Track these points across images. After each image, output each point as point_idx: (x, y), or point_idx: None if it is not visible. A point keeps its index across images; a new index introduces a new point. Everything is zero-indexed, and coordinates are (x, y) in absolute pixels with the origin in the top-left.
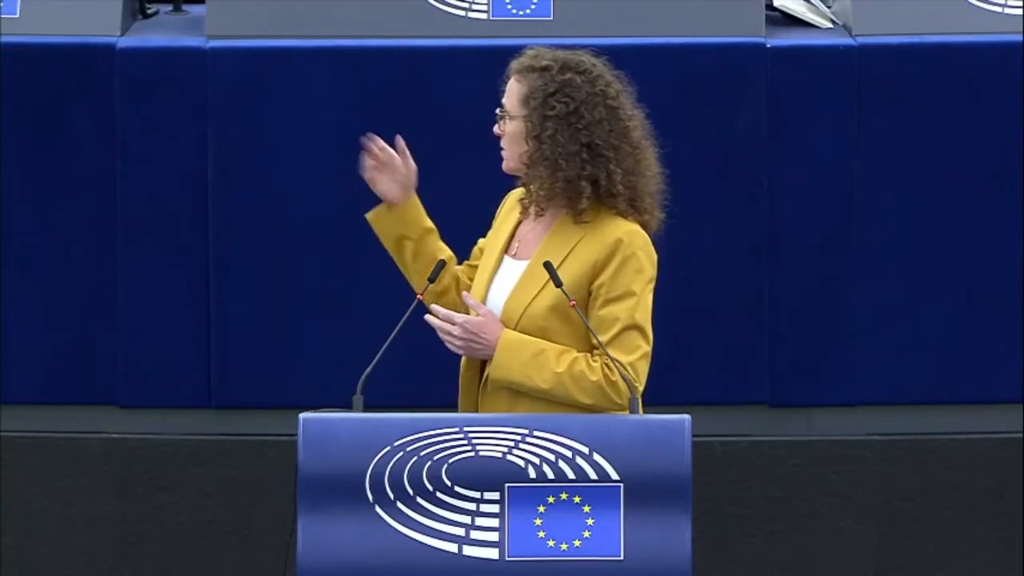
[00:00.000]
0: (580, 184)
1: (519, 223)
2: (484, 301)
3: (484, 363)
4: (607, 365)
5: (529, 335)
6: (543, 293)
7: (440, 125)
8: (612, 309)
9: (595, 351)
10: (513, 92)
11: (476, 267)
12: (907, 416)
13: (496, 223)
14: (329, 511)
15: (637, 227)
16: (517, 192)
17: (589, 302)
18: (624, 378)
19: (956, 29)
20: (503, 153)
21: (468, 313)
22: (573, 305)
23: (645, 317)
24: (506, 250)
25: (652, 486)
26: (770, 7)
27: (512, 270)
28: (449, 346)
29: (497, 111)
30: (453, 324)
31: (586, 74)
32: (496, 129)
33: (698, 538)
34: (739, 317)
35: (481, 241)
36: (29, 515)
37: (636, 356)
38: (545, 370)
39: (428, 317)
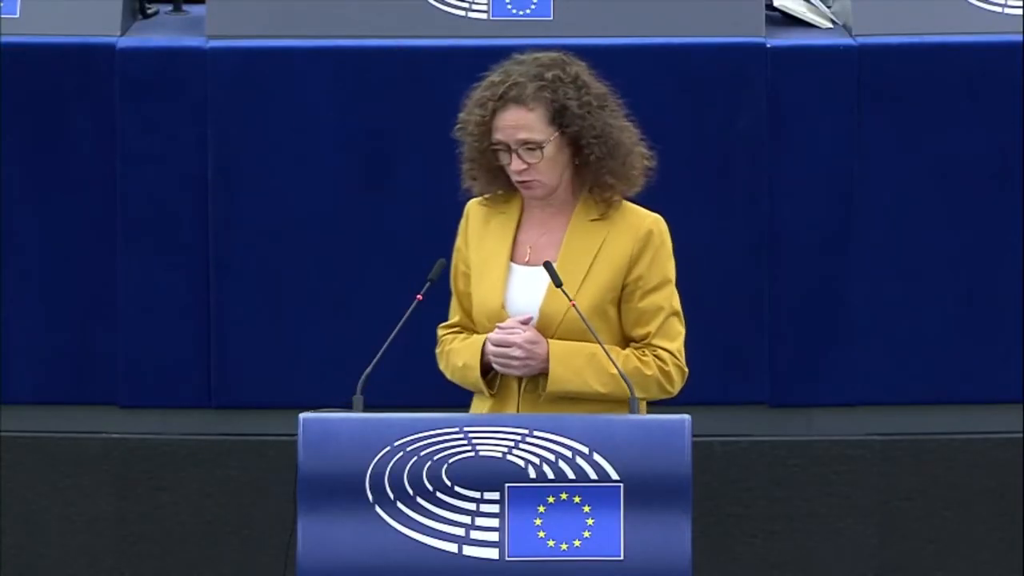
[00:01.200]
0: (636, 152)
1: (517, 229)
2: (503, 311)
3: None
4: (658, 356)
5: (567, 334)
6: (580, 295)
7: (440, 125)
8: (653, 299)
9: (635, 344)
10: (532, 121)
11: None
12: (907, 416)
13: (474, 236)
14: (329, 511)
15: (657, 216)
16: (480, 201)
17: (624, 295)
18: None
19: (956, 29)
20: (537, 183)
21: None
22: (573, 305)
23: (678, 301)
24: (511, 258)
25: (652, 486)
26: (770, 7)
27: (531, 277)
28: (505, 370)
29: (522, 148)
30: (509, 346)
31: (566, 65)
32: (521, 165)
33: (698, 538)
34: (739, 317)
35: (457, 284)
36: (29, 515)
37: (679, 342)
38: (602, 373)
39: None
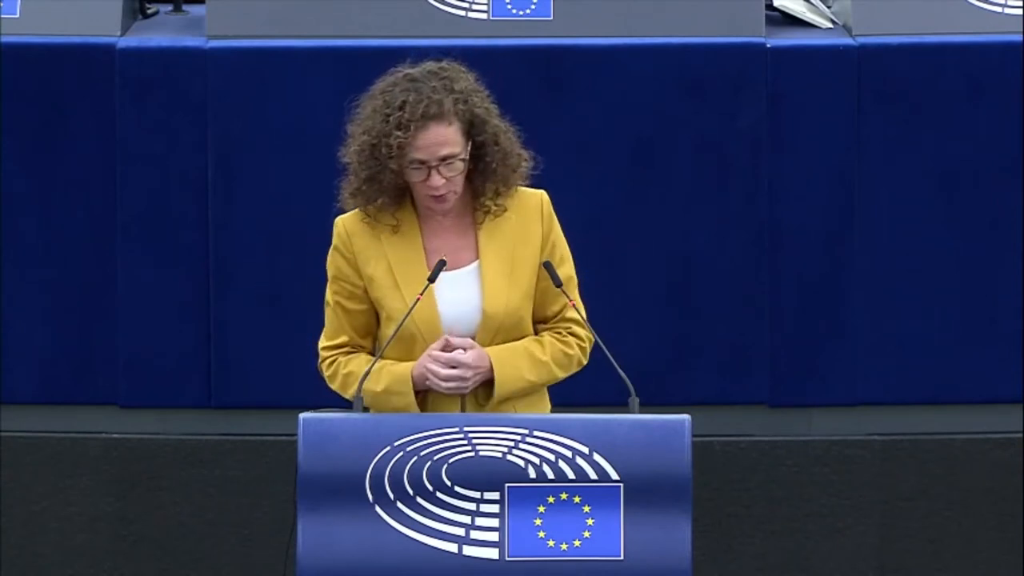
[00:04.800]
0: (517, 154)
1: (417, 239)
2: (439, 320)
3: None
4: (573, 334)
5: (508, 327)
6: (513, 285)
7: None
8: (564, 269)
9: (549, 323)
10: (452, 136)
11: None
12: (907, 416)
13: (361, 253)
14: (329, 511)
15: (540, 190)
16: (357, 217)
17: (541, 274)
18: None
19: (956, 29)
20: (451, 194)
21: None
22: (572, 305)
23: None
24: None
25: (652, 486)
26: (770, 7)
27: (456, 280)
28: (455, 392)
29: (443, 164)
30: (460, 368)
31: (464, 73)
32: (440, 181)
33: (698, 538)
34: (739, 317)
35: (341, 303)
36: (29, 515)
37: (581, 307)
38: (535, 365)
39: (436, 383)
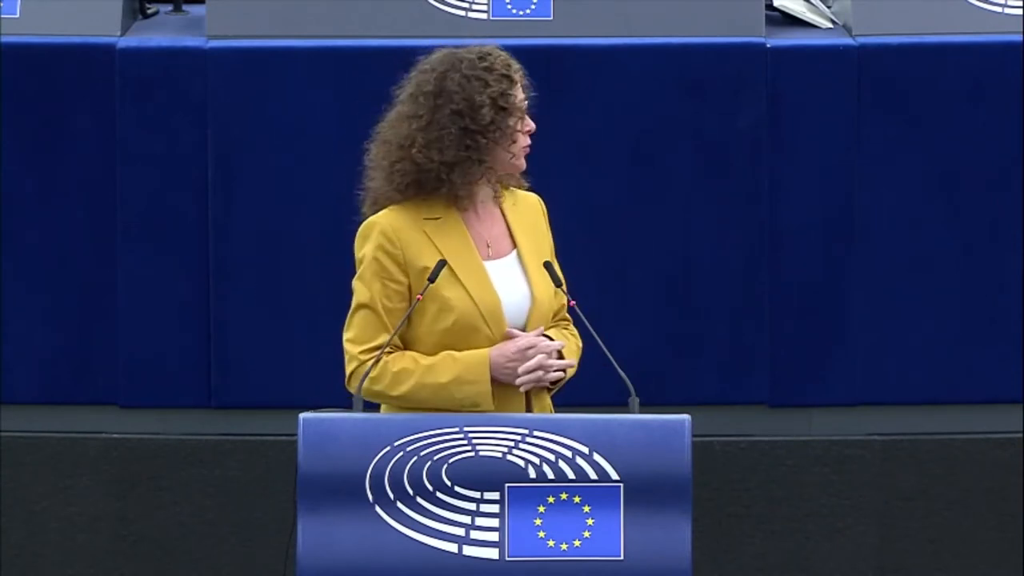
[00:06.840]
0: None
1: (463, 229)
2: (501, 306)
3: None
4: (572, 333)
5: (550, 315)
6: (545, 275)
7: None
8: (558, 270)
9: (551, 320)
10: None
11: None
12: (907, 416)
13: (409, 248)
14: (329, 511)
15: None
16: (395, 214)
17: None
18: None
19: (956, 29)
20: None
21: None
22: (573, 305)
23: None
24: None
25: (652, 486)
26: (770, 7)
27: (504, 268)
28: (539, 384)
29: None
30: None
31: None
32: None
33: (698, 538)
34: (739, 317)
35: (383, 303)
36: (29, 515)
37: None
38: (577, 352)
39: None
